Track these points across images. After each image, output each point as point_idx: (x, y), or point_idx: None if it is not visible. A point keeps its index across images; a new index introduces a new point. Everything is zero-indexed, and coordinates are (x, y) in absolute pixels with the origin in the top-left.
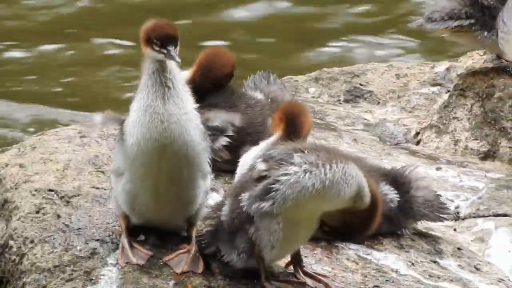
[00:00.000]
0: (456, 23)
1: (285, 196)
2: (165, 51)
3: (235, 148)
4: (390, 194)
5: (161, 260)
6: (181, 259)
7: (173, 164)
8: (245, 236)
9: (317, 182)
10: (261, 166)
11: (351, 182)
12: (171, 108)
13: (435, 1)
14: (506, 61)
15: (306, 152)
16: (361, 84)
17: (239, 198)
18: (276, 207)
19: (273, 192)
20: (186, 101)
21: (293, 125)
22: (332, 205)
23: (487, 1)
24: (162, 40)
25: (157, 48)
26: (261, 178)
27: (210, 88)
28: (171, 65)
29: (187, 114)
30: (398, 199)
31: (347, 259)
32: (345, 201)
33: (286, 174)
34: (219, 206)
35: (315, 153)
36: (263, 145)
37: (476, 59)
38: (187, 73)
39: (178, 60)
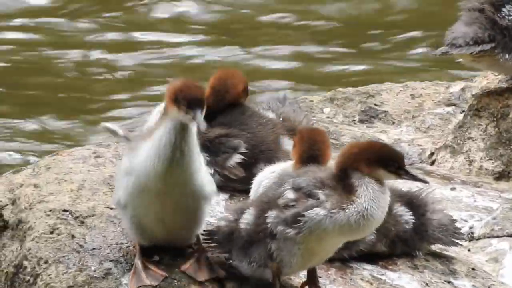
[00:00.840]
0: (481, 47)
1: (311, 230)
2: (192, 114)
3: (249, 166)
4: (405, 215)
5: (175, 280)
6: (197, 268)
7: (177, 195)
8: (261, 248)
9: (336, 226)
10: (290, 195)
11: (367, 223)
12: (178, 170)
13: (452, 28)
14: None
15: (329, 190)
16: (376, 104)
17: (266, 215)
18: (301, 236)
19: (300, 223)
20: (195, 160)
21: (315, 153)
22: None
23: (506, 22)
24: (190, 102)
25: (183, 110)
26: (288, 206)
27: (223, 109)
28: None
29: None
30: (413, 221)
31: (362, 279)
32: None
33: (311, 213)
34: (238, 212)
35: (337, 192)
36: (280, 166)
37: (491, 79)
38: None
39: (204, 125)
